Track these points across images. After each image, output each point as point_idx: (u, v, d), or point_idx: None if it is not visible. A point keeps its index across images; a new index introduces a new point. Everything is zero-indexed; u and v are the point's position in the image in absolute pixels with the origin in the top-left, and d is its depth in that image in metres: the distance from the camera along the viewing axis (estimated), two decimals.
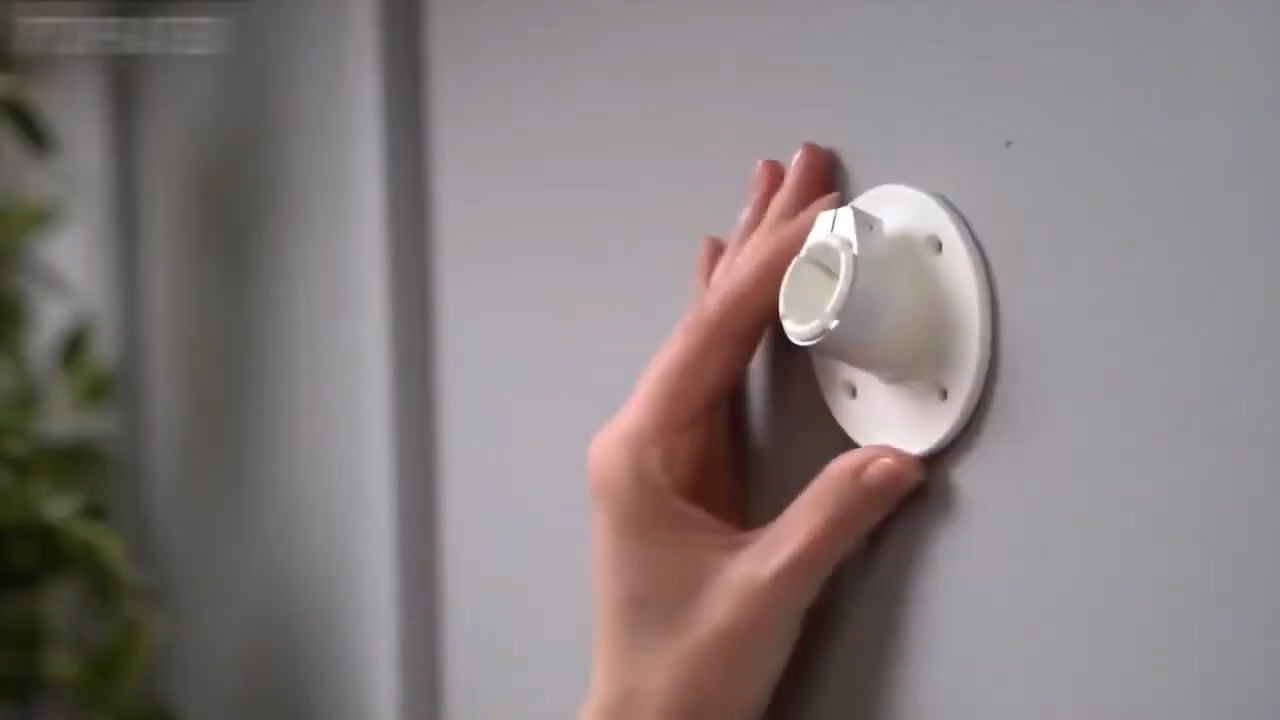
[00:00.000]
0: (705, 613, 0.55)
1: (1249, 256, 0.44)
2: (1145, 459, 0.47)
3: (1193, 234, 0.45)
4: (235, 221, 1.14)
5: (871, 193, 0.55)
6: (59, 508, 1.14)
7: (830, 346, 0.53)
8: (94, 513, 1.17)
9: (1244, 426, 0.44)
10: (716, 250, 0.61)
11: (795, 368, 0.59)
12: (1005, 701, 0.52)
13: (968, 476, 0.52)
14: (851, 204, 0.54)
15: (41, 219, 1.25)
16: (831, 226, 0.53)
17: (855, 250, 0.51)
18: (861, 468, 0.54)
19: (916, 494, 0.54)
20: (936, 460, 0.53)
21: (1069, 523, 0.49)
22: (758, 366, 0.61)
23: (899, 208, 0.54)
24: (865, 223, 0.52)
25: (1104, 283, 0.48)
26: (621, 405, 0.58)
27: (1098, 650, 0.48)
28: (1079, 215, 0.49)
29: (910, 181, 0.54)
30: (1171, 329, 0.46)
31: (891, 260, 0.52)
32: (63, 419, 1.27)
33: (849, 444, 0.56)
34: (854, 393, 0.56)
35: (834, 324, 0.51)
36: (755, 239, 0.58)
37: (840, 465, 0.54)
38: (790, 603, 0.55)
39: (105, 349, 1.30)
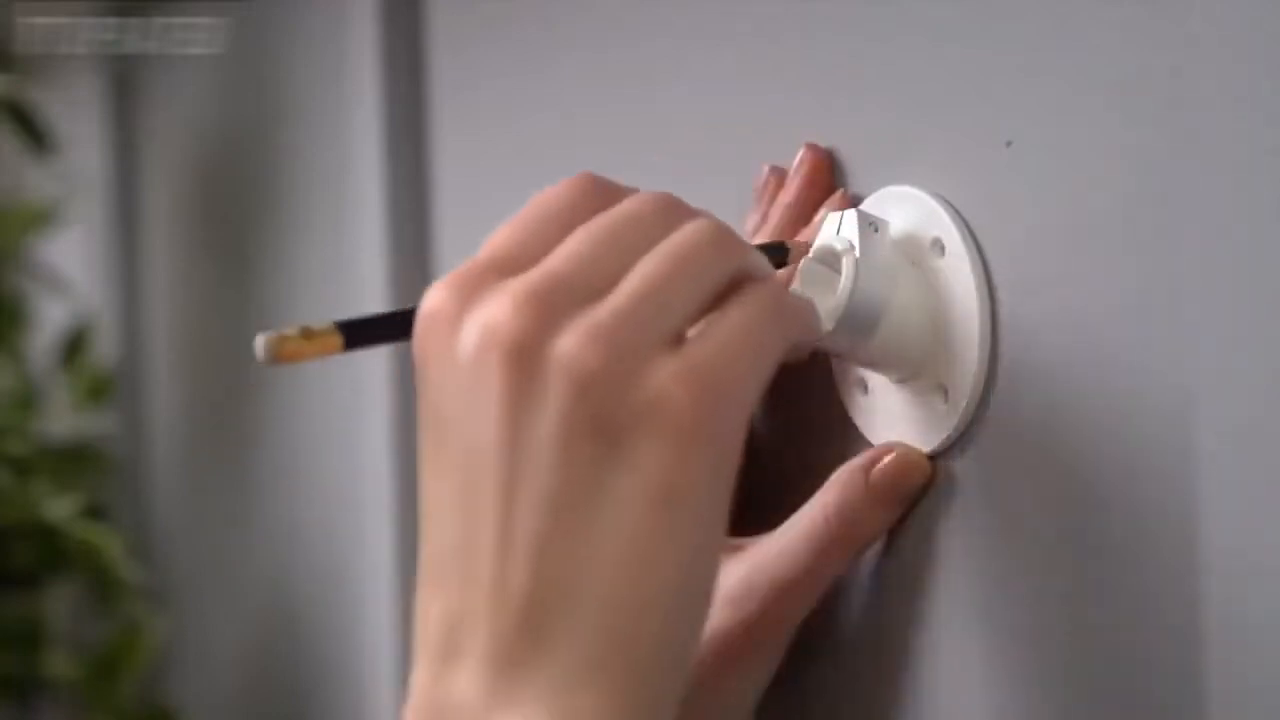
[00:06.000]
0: None
1: (1250, 256, 0.44)
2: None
3: (1193, 235, 0.45)
4: (235, 221, 1.14)
5: (880, 193, 0.55)
6: (59, 508, 1.14)
7: (833, 348, 0.53)
8: (94, 513, 1.17)
9: (1244, 425, 0.44)
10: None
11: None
12: (1006, 699, 0.52)
13: (968, 477, 0.52)
14: (859, 205, 0.54)
15: (41, 219, 1.25)
16: (838, 228, 0.53)
17: (857, 253, 0.51)
18: (871, 465, 0.53)
19: (918, 495, 0.54)
20: (938, 460, 0.53)
21: (1068, 523, 0.49)
22: None
23: (906, 209, 0.53)
24: (870, 225, 0.52)
25: (1103, 282, 0.48)
26: None
27: (1097, 646, 0.48)
28: (1079, 215, 0.49)
29: (909, 181, 0.54)
30: (1170, 328, 0.46)
31: (895, 262, 0.52)
32: (63, 419, 1.27)
33: (865, 444, 0.56)
34: (866, 389, 0.56)
35: (833, 327, 0.51)
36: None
37: (850, 466, 0.54)
38: (789, 615, 0.55)
39: (105, 349, 1.30)
